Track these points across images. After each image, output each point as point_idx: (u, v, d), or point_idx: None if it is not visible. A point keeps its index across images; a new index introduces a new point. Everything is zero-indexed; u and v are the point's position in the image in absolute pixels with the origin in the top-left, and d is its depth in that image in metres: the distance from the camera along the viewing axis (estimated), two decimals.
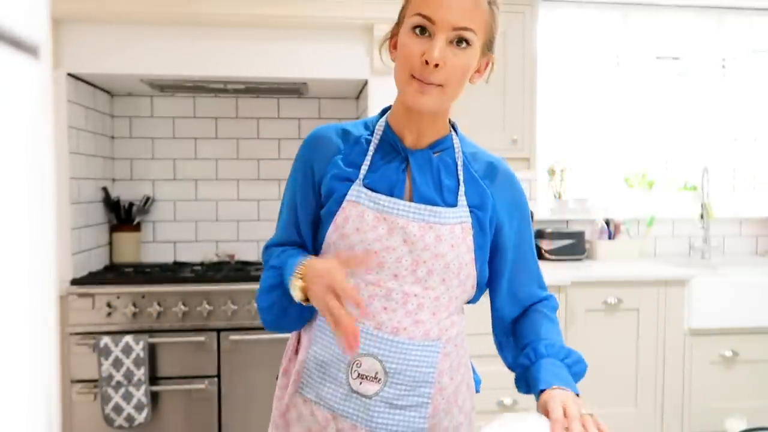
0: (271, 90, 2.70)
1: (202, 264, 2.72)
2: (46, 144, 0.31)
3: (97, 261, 2.62)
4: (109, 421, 2.19)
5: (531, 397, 1.03)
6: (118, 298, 2.24)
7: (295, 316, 1.08)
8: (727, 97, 3.35)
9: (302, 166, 1.10)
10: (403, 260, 1.02)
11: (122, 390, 2.19)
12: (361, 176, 1.05)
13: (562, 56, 3.21)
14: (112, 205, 2.73)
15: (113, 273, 2.44)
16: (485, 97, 2.75)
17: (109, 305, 2.24)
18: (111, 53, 2.30)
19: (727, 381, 2.68)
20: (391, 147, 1.07)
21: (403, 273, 1.02)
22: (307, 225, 1.10)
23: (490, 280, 1.13)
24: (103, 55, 2.30)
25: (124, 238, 2.75)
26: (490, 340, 1.20)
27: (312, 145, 1.10)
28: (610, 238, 3.12)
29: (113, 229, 2.76)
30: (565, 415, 0.87)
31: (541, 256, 3.04)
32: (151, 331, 2.25)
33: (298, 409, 1.08)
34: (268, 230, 2.91)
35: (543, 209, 3.17)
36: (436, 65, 0.96)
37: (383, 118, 1.10)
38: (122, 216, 2.75)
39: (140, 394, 2.20)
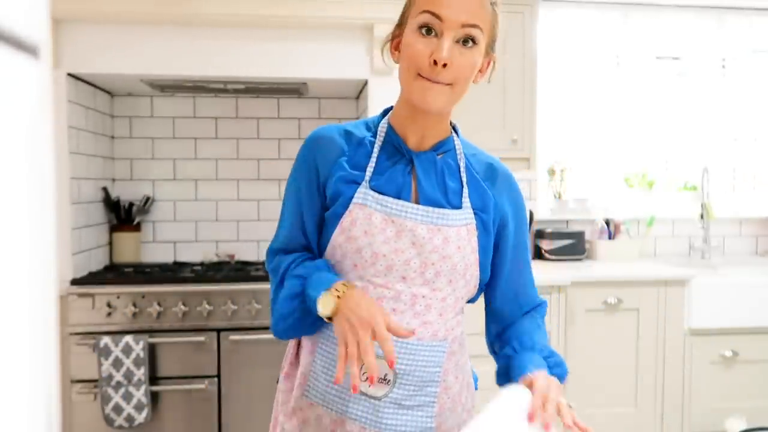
0: (271, 90, 2.70)
1: (202, 264, 2.72)
2: (46, 144, 0.31)
3: (97, 261, 2.62)
4: (109, 421, 2.19)
5: None
6: (118, 298, 2.24)
7: (308, 325, 1.06)
8: (727, 97, 3.35)
9: (306, 168, 1.08)
10: (412, 262, 1.02)
11: (122, 390, 2.19)
12: (367, 178, 1.04)
13: (562, 56, 3.21)
14: (112, 205, 2.73)
15: (113, 273, 2.44)
16: (485, 97, 2.75)
17: (109, 305, 2.24)
18: (111, 53, 2.30)
19: (727, 381, 2.68)
20: (395, 149, 1.06)
21: (411, 275, 1.02)
22: (313, 226, 1.09)
23: (488, 280, 1.13)
24: (103, 55, 2.30)
25: (124, 238, 2.75)
26: None
27: (315, 146, 1.08)
28: (610, 238, 3.12)
29: (113, 229, 2.76)
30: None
31: (541, 256, 3.04)
32: (151, 331, 2.25)
33: (305, 414, 1.08)
34: (268, 230, 2.91)
35: (543, 209, 3.17)
36: (444, 65, 0.95)
37: (385, 120, 1.09)
38: (122, 216, 2.75)
39: (140, 394, 2.20)
